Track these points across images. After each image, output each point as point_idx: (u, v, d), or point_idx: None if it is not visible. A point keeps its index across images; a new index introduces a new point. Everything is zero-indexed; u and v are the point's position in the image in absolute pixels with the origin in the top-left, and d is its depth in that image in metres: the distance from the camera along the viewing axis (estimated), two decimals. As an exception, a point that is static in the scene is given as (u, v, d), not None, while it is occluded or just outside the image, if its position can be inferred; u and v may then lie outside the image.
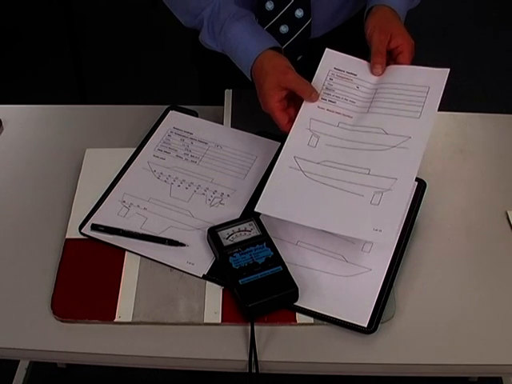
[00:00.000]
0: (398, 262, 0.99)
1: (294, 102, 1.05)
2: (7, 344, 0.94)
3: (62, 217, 1.07)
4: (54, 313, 0.95)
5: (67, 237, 1.04)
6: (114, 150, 1.16)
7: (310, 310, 0.94)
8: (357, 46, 1.09)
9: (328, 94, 1.06)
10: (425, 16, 2.87)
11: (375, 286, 0.96)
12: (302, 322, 0.94)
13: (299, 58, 1.24)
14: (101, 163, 1.14)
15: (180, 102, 1.24)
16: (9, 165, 1.19)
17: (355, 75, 1.08)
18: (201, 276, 0.98)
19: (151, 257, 1.00)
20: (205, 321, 0.94)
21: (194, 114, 1.21)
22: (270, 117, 1.03)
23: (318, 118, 1.04)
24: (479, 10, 3.17)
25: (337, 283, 0.97)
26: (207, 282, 0.98)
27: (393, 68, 1.07)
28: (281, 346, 0.92)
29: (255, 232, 1.00)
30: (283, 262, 0.96)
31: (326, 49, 1.10)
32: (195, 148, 1.15)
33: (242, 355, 0.91)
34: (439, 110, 1.02)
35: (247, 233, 1.00)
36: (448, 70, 1.04)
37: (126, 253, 1.02)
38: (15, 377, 1.66)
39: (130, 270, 1.00)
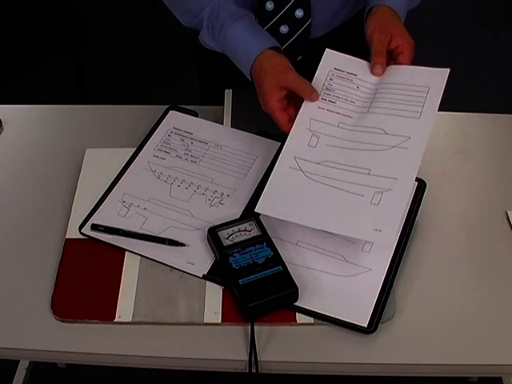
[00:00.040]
0: (398, 262, 0.99)
1: (293, 101, 1.05)
2: (7, 344, 0.94)
3: (62, 217, 1.07)
4: (54, 313, 0.95)
5: (67, 237, 1.04)
6: (114, 150, 1.16)
7: (310, 310, 0.94)
8: (357, 46, 1.09)
9: (328, 95, 1.06)
10: (425, 16, 2.87)
11: (375, 285, 0.96)
12: (302, 322, 0.94)
13: (299, 58, 1.24)
14: (101, 163, 1.14)
15: (180, 102, 1.24)
16: (9, 165, 1.19)
17: (355, 75, 1.08)
18: (201, 276, 0.98)
19: (151, 257, 1.00)
20: (205, 321, 0.94)
21: (194, 114, 1.21)
22: (270, 116, 1.03)
23: (318, 118, 1.04)
24: (479, 10, 3.17)
25: (337, 283, 0.97)
26: (207, 282, 0.98)
27: (393, 68, 1.07)
28: (281, 346, 0.92)
29: (255, 232, 1.00)
30: (283, 262, 0.96)
31: (326, 49, 1.10)
32: (195, 148, 1.15)
33: (242, 355, 0.91)
34: (439, 109, 1.02)
35: (247, 233, 1.00)
36: (448, 70, 1.04)
37: (126, 253, 1.02)
38: (15, 377, 1.66)
39: (130, 270, 1.00)
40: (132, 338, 0.93)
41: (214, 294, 0.96)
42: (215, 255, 0.99)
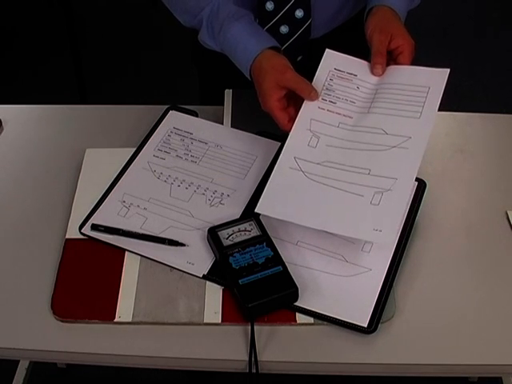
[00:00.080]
0: (398, 262, 0.99)
1: (293, 101, 1.05)
2: (7, 344, 0.94)
3: (62, 217, 1.07)
4: (54, 313, 0.95)
5: (67, 237, 1.04)
6: (114, 150, 1.16)
7: (310, 310, 0.94)
8: (357, 47, 1.09)
9: (328, 95, 1.06)
10: (425, 16, 2.87)
11: (375, 285, 0.96)
12: (302, 322, 0.94)
13: (299, 58, 1.24)
14: (101, 163, 1.14)
15: (180, 102, 1.24)
16: (9, 165, 1.19)
17: (355, 76, 1.08)
18: (201, 276, 0.98)
19: (151, 257, 1.00)
20: (205, 321, 0.94)
21: (194, 114, 1.21)
22: (270, 116, 1.04)
23: (319, 119, 1.04)
24: (479, 11, 3.17)
25: (337, 283, 0.97)
26: (207, 282, 0.98)
27: (393, 68, 1.07)
28: (281, 346, 0.92)
29: (255, 232, 1.00)
30: (283, 262, 0.96)
31: (327, 49, 1.10)
32: (195, 148, 1.15)
33: (242, 355, 0.91)
34: (439, 109, 1.02)
35: (247, 233, 1.00)
36: (448, 70, 1.04)
37: (126, 253, 1.02)
38: (15, 377, 1.66)
39: (130, 270, 1.00)
40: (132, 338, 0.93)
41: (214, 294, 0.96)
42: (215, 255, 0.99)
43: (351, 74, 1.08)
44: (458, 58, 2.80)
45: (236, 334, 0.93)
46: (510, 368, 0.95)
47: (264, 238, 0.99)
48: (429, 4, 1.84)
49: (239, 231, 1.00)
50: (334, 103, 1.06)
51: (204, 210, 1.06)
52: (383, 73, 1.07)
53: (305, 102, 1.04)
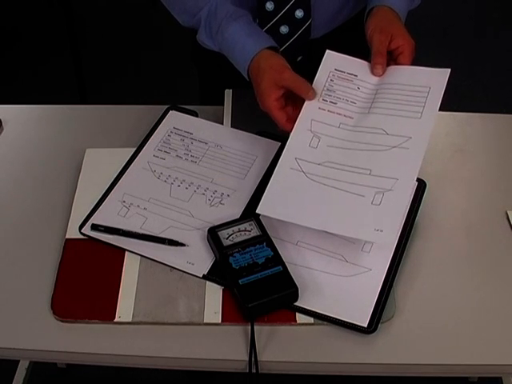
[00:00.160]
0: (398, 262, 0.99)
1: (291, 100, 1.05)
2: (7, 344, 0.94)
3: (62, 217, 1.07)
4: (54, 313, 0.95)
5: (67, 237, 1.04)
6: (114, 150, 1.16)
7: (310, 310, 0.94)
8: (357, 47, 1.09)
9: (329, 96, 1.06)
10: (425, 16, 2.87)
11: (375, 285, 0.96)
12: (302, 322, 0.94)
13: (299, 58, 1.24)
14: (101, 163, 1.14)
15: (180, 102, 1.24)
16: (9, 165, 1.19)
17: (356, 76, 1.08)
18: (201, 276, 0.98)
19: (151, 257, 1.00)
20: (205, 321, 0.94)
21: (194, 114, 1.21)
22: (268, 116, 1.04)
23: (319, 119, 1.04)
24: (480, 11, 3.17)
25: (337, 283, 0.97)
26: (207, 282, 0.98)
27: (393, 68, 1.07)
28: (281, 346, 0.92)
29: (255, 232, 1.00)
30: (283, 262, 0.96)
31: (327, 50, 1.10)
32: (195, 148, 1.15)
33: (242, 355, 0.91)
34: (439, 109, 1.02)
35: (247, 233, 1.00)
36: (449, 70, 1.04)
37: (126, 253, 1.02)
38: (15, 377, 1.66)
39: (130, 270, 1.00)
40: (132, 338, 0.93)
41: (214, 294, 0.96)
42: (215, 255, 0.99)
43: (351, 74, 1.08)
44: (458, 58, 2.80)
45: (236, 333, 0.93)
46: (509, 368, 0.95)
47: (264, 238, 0.99)
48: (429, 4, 1.84)
49: (239, 231, 1.00)
50: (335, 104, 1.06)
51: (204, 210, 1.06)
52: (383, 73, 1.07)
53: (305, 102, 1.04)
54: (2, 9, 3.11)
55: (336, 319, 0.93)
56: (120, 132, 1.22)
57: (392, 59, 1.08)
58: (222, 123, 1.19)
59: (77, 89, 2.65)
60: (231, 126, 1.18)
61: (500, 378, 1.65)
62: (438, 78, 1.04)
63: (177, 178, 1.10)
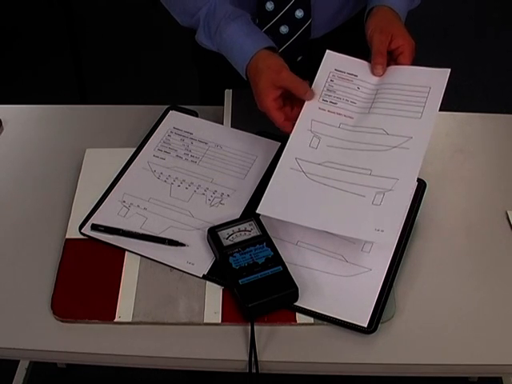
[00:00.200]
0: (398, 262, 0.99)
1: (289, 101, 1.05)
2: (7, 344, 0.94)
3: (62, 217, 1.07)
4: (54, 313, 0.95)
5: (67, 237, 1.04)
6: (114, 150, 1.16)
7: (310, 310, 0.94)
8: (357, 47, 1.09)
9: (329, 96, 1.06)
10: (425, 16, 2.87)
11: (375, 286, 0.96)
12: (302, 322, 0.94)
13: (299, 58, 1.24)
14: (101, 163, 1.14)
15: (180, 102, 1.24)
16: (9, 165, 1.19)
17: (356, 76, 1.08)
18: (201, 276, 0.98)
19: (151, 257, 1.00)
20: (205, 321, 0.94)
21: (194, 114, 1.21)
22: (266, 115, 1.04)
23: (319, 120, 1.04)
24: (480, 11, 3.17)
25: (337, 283, 0.97)
26: (207, 282, 0.98)
27: (393, 68, 1.07)
28: (281, 346, 0.92)
29: (255, 232, 1.00)
30: (283, 262, 0.96)
31: (327, 51, 1.10)
32: (195, 148, 1.15)
33: (242, 355, 0.91)
34: (439, 110, 1.02)
35: (247, 233, 1.00)
36: (449, 70, 1.04)
37: (126, 253, 1.02)
38: (15, 377, 1.66)
39: (130, 270, 1.00)
40: (132, 337, 0.93)
41: (214, 294, 0.96)
42: (215, 255, 0.99)
43: (352, 74, 1.08)
44: (458, 58, 2.80)
45: (236, 333, 0.93)
46: (509, 368, 0.95)
47: (264, 238, 0.99)
48: (429, 4, 1.84)
49: (239, 231, 1.00)
50: (335, 104, 1.06)
51: (204, 210, 1.06)
52: (384, 73, 1.07)
53: (306, 102, 1.04)
54: (2, 9, 3.11)
55: (336, 319, 0.93)
56: (120, 132, 1.22)
57: (392, 59, 1.08)
58: (222, 123, 1.19)
59: (77, 89, 2.65)
60: (231, 126, 1.18)
61: (500, 378, 1.65)
62: (438, 78, 1.04)
63: (177, 178, 1.10)
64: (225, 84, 1.24)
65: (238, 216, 1.04)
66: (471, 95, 2.65)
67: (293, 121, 1.04)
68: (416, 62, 1.07)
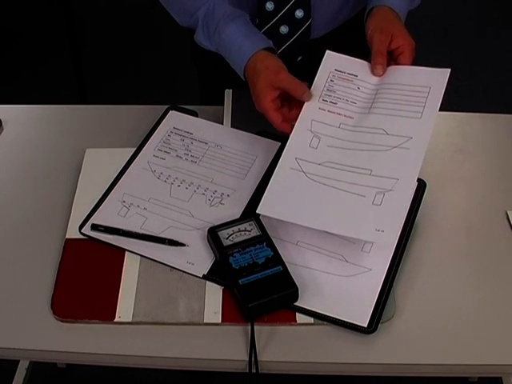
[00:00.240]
0: (398, 262, 0.99)
1: (288, 102, 1.05)
2: (7, 344, 0.94)
3: (62, 217, 1.07)
4: (54, 313, 0.95)
5: (67, 237, 1.04)
6: (114, 150, 1.16)
7: (310, 310, 0.94)
8: (357, 47, 1.09)
9: (329, 96, 1.06)
10: (425, 16, 2.87)
11: (375, 286, 0.96)
12: (302, 322, 0.94)
13: (299, 58, 1.24)
14: (101, 163, 1.14)
15: (180, 102, 1.24)
16: (9, 165, 1.19)
17: (356, 76, 1.08)
18: (201, 276, 0.98)
19: (151, 257, 1.00)
20: (205, 321, 0.94)
21: (194, 114, 1.21)
22: (264, 116, 1.04)
23: (320, 120, 1.04)
24: (480, 11, 3.17)
25: (337, 283, 0.97)
26: (207, 282, 0.98)
27: (393, 68, 1.07)
28: (281, 346, 0.92)
29: (255, 232, 1.00)
30: (283, 262, 0.96)
31: (327, 51, 1.10)
32: (195, 148, 1.15)
33: (242, 355, 0.91)
34: (439, 110, 1.02)
35: (247, 233, 1.00)
36: (449, 70, 1.04)
37: (126, 253, 1.02)
38: (15, 377, 1.66)
39: (130, 270, 1.00)
40: (132, 338, 0.93)
41: (214, 294, 0.96)
42: (215, 255, 0.99)
43: (352, 74, 1.08)
44: (458, 58, 2.80)
45: (236, 333, 0.93)
46: (509, 368, 0.95)
47: (264, 238, 0.99)
48: (429, 4, 1.84)
49: (239, 231, 1.00)
50: (335, 104, 1.06)
51: (204, 210, 1.06)
52: (384, 73, 1.07)
53: (306, 103, 1.04)
54: (2, 9, 3.11)
55: (336, 319, 0.93)
56: (120, 132, 1.22)
57: (392, 59, 1.08)
58: (222, 123, 1.19)
59: (77, 89, 2.65)
60: (231, 126, 1.18)
61: (500, 378, 1.65)
62: (438, 78, 1.05)
63: (177, 178, 1.10)
64: (225, 84, 1.24)
65: (238, 216, 1.04)
66: (471, 95, 2.65)
67: (290, 122, 1.04)
68: (416, 61, 1.07)
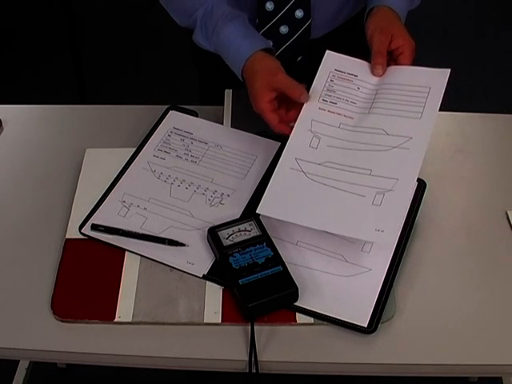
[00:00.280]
0: (398, 262, 0.99)
1: (285, 103, 1.05)
2: (7, 344, 0.94)
3: (62, 217, 1.07)
4: (54, 313, 0.95)
5: (67, 237, 1.04)
6: (114, 150, 1.16)
7: (310, 310, 0.94)
8: (357, 47, 1.09)
9: (329, 96, 1.06)
10: (425, 16, 2.87)
11: (375, 286, 0.96)
12: (302, 322, 0.94)
13: (299, 58, 1.24)
14: (101, 163, 1.14)
15: (180, 102, 1.24)
16: (9, 165, 1.19)
17: (356, 76, 1.08)
18: (201, 276, 0.98)
19: (151, 257, 1.00)
20: (205, 321, 0.94)
21: (194, 114, 1.21)
22: (261, 117, 1.04)
23: (319, 120, 1.04)
24: (480, 11, 3.17)
25: (337, 283, 0.97)
26: (207, 282, 0.98)
27: (393, 69, 1.07)
28: (281, 346, 0.92)
29: (255, 232, 1.00)
30: (283, 262, 0.96)
31: (327, 51, 1.10)
32: (195, 148, 1.15)
33: (242, 355, 0.91)
34: (439, 110, 1.02)
35: (247, 233, 1.00)
36: (449, 70, 1.04)
37: (126, 253, 1.02)
38: (15, 377, 1.66)
39: (130, 270, 1.00)
40: (132, 337, 0.93)
41: (214, 294, 0.96)
42: (215, 255, 0.99)
43: (352, 74, 1.08)
44: (458, 58, 2.80)
45: (236, 333, 0.93)
46: (509, 368, 0.95)
47: (264, 238, 0.99)
48: (429, 4, 1.84)
49: (239, 231, 1.00)
50: (335, 104, 1.06)
51: (204, 210, 1.06)
52: (384, 73, 1.07)
53: (305, 103, 1.04)
54: (2, 9, 3.11)
55: (336, 319, 0.93)
56: (120, 132, 1.22)
57: (392, 59, 1.08)
58: (222, 123, 1.19)
59: (77, 89, 2.65)
60: (231, 126, 1.18)
61: (500, 378, 1.65)
62: (438, 79, 1.05)
63: (177, 178, 1.10)
64: (225, 84, 1.24)
65: (238, 216, 1.04)
66: (471, 95, 2.65)
67: (287, 123, 1.04)
68: (416, 62, 1.07)
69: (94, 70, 2.77)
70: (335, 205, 0.97)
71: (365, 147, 1.02)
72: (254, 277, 0.94)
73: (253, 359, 0.90)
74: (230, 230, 1.00)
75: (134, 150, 1.15)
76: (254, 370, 0.90)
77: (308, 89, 1.05)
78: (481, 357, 0.92)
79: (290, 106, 1.05)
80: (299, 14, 1.17)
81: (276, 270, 0.95)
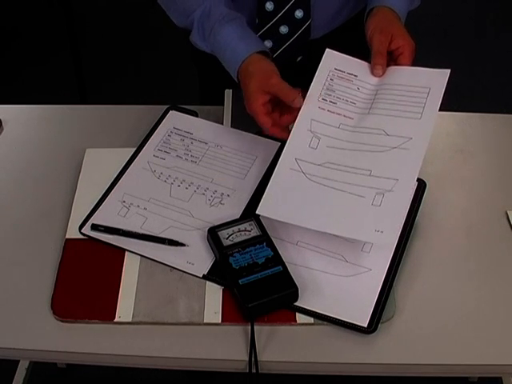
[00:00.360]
0: (398, 262, 0.99)
1: (279, 107, 1.05)
2: (7, 344, 0.94)
3: (62, 217, 1.07)
4: (54, 313, 0.95)
5: (67, 237, 1.04)
6: (114, 150, 1.16)
7: (310, 310, 0.94)
8: (357, 47, 1.09)
9: (329, 95, 1.06)
10: (425, 16, 2.87)
11: (375, 285, 0.96)
12: (302, 322, 0.94)
13: (299, 58, 1.24)
14: (101, 163, 1.14)
15: (180, 102, 1.24)
16: (9, 165, 1.19)
17: (356, 76, 1.08)
18: (201, 276, 0.98)
19: (151, 257, 1.00)
20: (205, 321, 0.94)
21: (194, 114, 1.21)
22: (254, 119, 1.03)
23: (319, 119, 1.04)
24: (480, 11, 3.17)
25: (337, 283, 0.97)
26: (207, 282, 0.98)
27: (393, 69, 1.07)
28: (281, 346, 0.92)
29: (255, 232, 1.00)
30: (283, 262, 0.96)
31: (327, 49, 1.09)
32: (195, 148, 1.15)
33: (242, 355, 0.91)
34: (439, 110, 1.02)
35: (247, 233, 1.00)
36: (449, 70, 1.04)
37: (126, 253, 1.02)
38: (15, 377, 1.66)
39: (130, 269, 1.00)
40: (132, 338, 0.93)
41: (214, 294, 0.96)
42: (215, 255, 0.99)
43: (351, 74, 1.08)
44: (458, 58, 2.79)
45: (236, 333, 0.93)
46: (509, 368, 0.95)
47: (264, 238, 0.99)
48: (429, 4, 1.84)
49: (239, 231, 1.00)
50: (335, 103, 1.06)
51: (204, 210, 1.06)
52: (383, 73, 1.07)
53: (305, 102, 1.04)
54: (2, 9, 3.11)
55: (336, 319, 0.93)
56: (120, 132, 1.22)
57: (392, 60, 1.08)
58: (222, 123, 1.19)
59: (77, 89, 2.65)
60: (231, 126, 1.18)
61: (500, 378, 1.65)
62: (437, 79, 1.04)
63: (177, 178, 1.10)
64: (225, 84, 1.24)
65: (238, 216, 1.04)
66: (471, 95, 2.65)
67: (281, 127, 1.04)
68: (416, 62, 1.07)
69: (93, 70, 2.77)
70: (335, 205, 0.97)
71: (365, 148, 1.02)
72: (254, 277, 0.94)
73: (253, 359, 0.90)
74: (229, 230, 1.00)
75: (134, 150, 1.15)
76: (254, 370, 0.90)
77: (307, 89, 1.05)
78: (481, 357, 0.92)
79: (285, 110, 1.04)
80: (299, 14, 1.17)
81: (276, 270, 0.95)
